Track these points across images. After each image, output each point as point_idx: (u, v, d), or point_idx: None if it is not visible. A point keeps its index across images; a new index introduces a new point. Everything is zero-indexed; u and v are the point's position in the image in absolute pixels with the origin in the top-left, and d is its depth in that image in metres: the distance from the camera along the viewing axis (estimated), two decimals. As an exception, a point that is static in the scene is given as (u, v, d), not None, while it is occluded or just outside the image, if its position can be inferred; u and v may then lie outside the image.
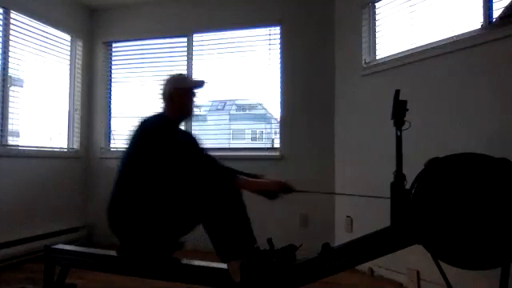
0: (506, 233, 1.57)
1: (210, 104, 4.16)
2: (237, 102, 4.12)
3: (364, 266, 2.95)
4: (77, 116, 4.04)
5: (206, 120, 4.12)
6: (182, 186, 1.93)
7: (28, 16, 3.47)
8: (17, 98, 3.40)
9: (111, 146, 4.20)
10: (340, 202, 3.38)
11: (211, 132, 4.02)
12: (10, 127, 3.33)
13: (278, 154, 3.64)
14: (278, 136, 3.71)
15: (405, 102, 1.77)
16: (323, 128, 3.52)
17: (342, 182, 3.39)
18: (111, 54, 4.26)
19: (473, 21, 2.41)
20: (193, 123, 3.93)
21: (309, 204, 3.42)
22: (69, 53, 3.99)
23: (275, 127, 3.80)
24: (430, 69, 2.60)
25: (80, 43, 4.08)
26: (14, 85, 3.39)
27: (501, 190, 1.59)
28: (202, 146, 2.12)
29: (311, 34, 3.60)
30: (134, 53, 4.22)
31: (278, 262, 1.82)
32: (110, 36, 4.20)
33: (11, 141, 3.37)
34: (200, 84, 2.26)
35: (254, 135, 4.17)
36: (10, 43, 3.31)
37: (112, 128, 4.22)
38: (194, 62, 3.94)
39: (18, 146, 3.45)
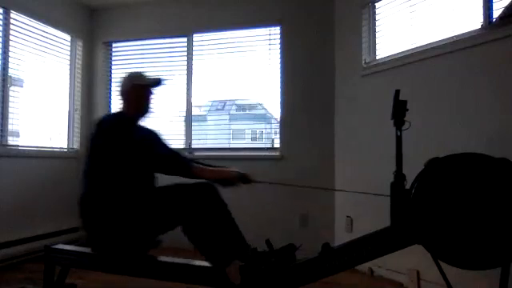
0: (505, 233, 1.57)
1: (210, 104, 4.17)
2: (237, 102, 4.12)
3: (364, 266, 2.95)
4: (77, 116, 4.05)
5: (206, 120, 4.12)
6: (145, 186, 1.99)
7: (28, 16, 3.47)
8: (17, 98, 3.40)
9: (111, 146, 4.20)
10: (340, 202, 3.38)
11: (211, 132, 4.02)
12: (10, 127, 3.33)
13: (277, 154, 3.64)
14: (278, 136, 3.71)
15: (405, 102, 1.77)
16: (323, 128, 3.52)
17: (342, 181, 3.39)
18: (111, 54, 4.26)
19: (473, 21, 2.41)
20: (193, 123, 3.94)
21: (309, 204, 3.42)
22: (69, 53, 3.99)
23: (275, 127, 3.80)
24: (430, 69, 2.60)
25: (80, 43, 4.08)
26: (14, 85, 3.39)
27: (501, 190, 1.59)
28: (158, 140, 2.17)
29: (311, 34, 3.60)
30: (134, 53, 4.22)
31: (277, 262, 1.82)
32: (110, 36, 4.20)
33: (11, 141, 3.37)
34: (157, 82, 2.24)
35: (254, 135, 4.17)
36: (10, 43, 3.31)
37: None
38: (194, 62, 3.95)
39: (18, 146, 3.45)
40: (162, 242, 2.12)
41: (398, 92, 1.79)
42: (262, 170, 3.58)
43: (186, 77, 3.95)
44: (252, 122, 4.15)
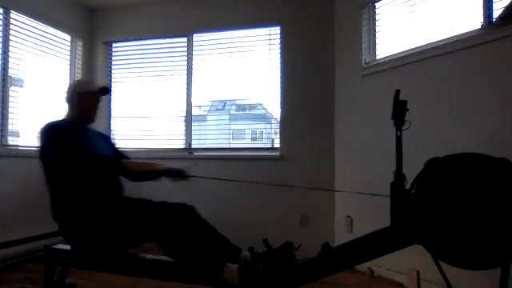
0: (505, 233, 1.57)
1: (210, 104, 4.17)
2: (237, 102, 4.12)
3: (364, 266, 2.95)
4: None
5: (206, 120, 4.12)
6: (107, 193, 2.05)
7: (28, 16, 3.47)
8: (17, 98, 3.40)
9: (111, 145, 4.20)
10: (340, 202, 3.38)
11: (211, 132, 4.02)
12: (10, 127, 3.33)
13: (277, 154, 3.64)
14: (278, 136, 3.71)
15: (405, 102, 1.77)
16: (323, 128, 3.52)
17: (342, 181, 3.39)
18: (111, 54, 4.26)
19: (473, 21, 2.41)
20: (193, 123, 3.94)
21: (309, 204, 3.42)
22: (69, 53, 3.99)
23: (275, 127, 3.80)
24: (430, 69, 2.60)
25: (80, 43, 4.08)
26: (14, 85, 3.39)
27: (501, 190, 1.59)
28: (96, 144, 2.18)
29: (311, 34, 3.60)
30: (134, 53, 4.22)
31: (273, 261, 1.82)
32: (110, 36, 4.20)
33: (11, 141, 3.37)
34: (103, 90, 2.27)
35: (254, 135, 4.18)
36: (10, 43, 3.31)
37: (112, 128, 4.23)
38: (194, 61, 3.95)
39: (18, 146, 3.45)
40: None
41: (398, 92, 1.79)
42: (262, 170, 3.61)
43: (185, 77, 3.95)
44: (252, 122, 4.15)
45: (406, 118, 1.78)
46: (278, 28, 3.68)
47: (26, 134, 3.54)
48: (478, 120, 2.29)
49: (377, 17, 3.16)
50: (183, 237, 1.88)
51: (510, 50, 2.15)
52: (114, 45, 4.26)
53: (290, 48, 3.63)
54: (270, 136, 3.90)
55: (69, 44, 3.99)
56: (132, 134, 4.13)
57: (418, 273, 2.55)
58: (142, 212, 1.96)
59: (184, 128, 3.96)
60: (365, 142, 3.10)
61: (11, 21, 3.32)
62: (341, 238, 3.18)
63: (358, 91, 3.22)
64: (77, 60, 4.06)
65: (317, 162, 3.51)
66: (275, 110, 3.76)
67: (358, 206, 3.09)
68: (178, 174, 2.16)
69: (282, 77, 3.65)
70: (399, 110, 1.77)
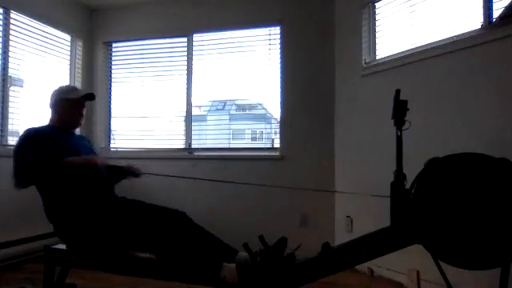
0: (505, 233, 1.57)
1: (210, 104, 4.17)
2: (237, 102, 4.11)
3: (364, 266, 2.95)
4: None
5: (205, 120, 4.12)
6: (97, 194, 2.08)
7: (28, 16, 3.47)
8: (17, 98, 3.40)
9: (111, 146, 4.21)
10: (340, 202, 3.38)
11: (211, 132, 4.02)
12: (10, 127, 3.33)
13: (277, 154, 3.64)
14: (278, 136, 3.71)
15: (405, 102, 1.77)
16: (323, 128, 3.52)
17: (342, 181, 3.39)
18: (111, 54, 4.26)
19: (473, 21, 2.41)
20: (193, 123, 3.94)
21: (309, 204, 3.42)
22: (69, 53, 3.99)
23: (275, 127, 3.80)
24: (430, 69, 2.60)
25: (80, 43, 4.08)
26: (14, 85, 3.39)
27: (501, 190, 1.59)
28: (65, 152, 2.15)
29: (311, 34, 3.60)
30: (134, 53, 4.22)
31: (269, 255, 1.82)
32: (110, 36, 4.20)
33: (11, 141, 3.36)
34: (88, 96, 2.29)
35: (254, 135, 4.17)
36: (10, 43, 3.31)
37: (112, 128, 4.23)
38: (194, 61, 3.94)
39: (18, 145, 3.44)
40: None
41: (398, 92, 1.79)
42: (262, 170, 3.61)
43: (185, 77, 3.94)
44: (252, 122, 4.15)
45: (406, 118, 1.78)
46: (278, 28, 3.68)
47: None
48: (477, 120, 2.29)
49: (377, 17, 3.16)
50: (177, 243, 1.89)
51: (510, 49, 2.15)
52: (114, 45, 4.26)
53: (289, 48, 3.63)
54: (270, 136, 3.90)
55: (69, 44, 3.99)
56: (132, 134, 4.13)
57: (418, 273, 2.54)
58: (135, 220, 1.97)
59: (184, 128, 3.96)
60: (365, 141, 3.10)
61: (11, 21, 3.32)
62: (341, 237, 3.18)
63: (358, 91, 3.22)
64: (77, 60, 4.05)
65: (317, 162, 3.51)
66: (275, 109, 3.76)
67: (358, 206, 3.09)
68: (123, 172, 2.20)
69: (281, 77, 3.65)
70: (399, 110, 1.77)
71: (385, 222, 1.77)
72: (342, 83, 3.43)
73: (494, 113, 2.22)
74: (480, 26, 2.35)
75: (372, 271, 2.94)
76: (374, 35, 3.17)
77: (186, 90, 3.94)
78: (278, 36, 3.68)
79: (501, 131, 2.17)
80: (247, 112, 4.14)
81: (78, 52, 4.06)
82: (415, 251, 1.78)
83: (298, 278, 1.81)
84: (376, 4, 3.14)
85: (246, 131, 4.22)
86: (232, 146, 3.91)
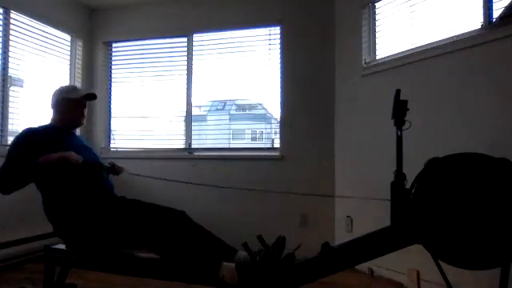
0: (505, 233, 1.57)
1: (210, 104, 4.17)
2: (237, 102, 4.11)
3: (364, 266, 2.95)
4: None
5: (205, 120, 4.12)
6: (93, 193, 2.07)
7: (28, 16, 3.47)
8: (17, 98, 3.40)
9: (111, 146, 4.21)
10: (340, 202, 3.38)
11: (211, 132, 4.02)
12: (10, 127, 3.33)
13: (277, 154, 3.64)
14: (278, 136, 3.71)
15: (405, 102, 1.77)
16: (323, 128, 3.52)
17: (342, 181, 3.39)
18: (111, 54, 4.26)
19: (473, 21, 2.41)
20: (193, 123, 3.94)
21: (309, 204, 3.42)
22: (69, 53, 3.99)
23: (275, 127, 3.80)
24: (430, 69, 2.60)
25: (80, 43, 4.08)
26: (14, 85, 3.39)
27: (501, 190, 1.59)
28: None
29: (311, 34, 3.60)
30: (134, 53, 4.22)
31: (268, 254, 1.82)
32: (109, 36, 4.20)
33: (11, 141, 3.36)
34: (88, 96, 2.29)
35: (254, 135, 4.17)
36: (10, 43, 3.31)
37: (112, 128, 4.23)
38: (194, 61, 3.94)
39: (18, 145, 3.44)
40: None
41: (398, 92, 1.79)
42: (262, 170, 3.61)
43: (185, 77, 3.94)
44: (252, 122, 4.15)
45: (406, 118, 1.78)
46: (278, 28, 3.68)
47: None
48: (477, 120, 2.29)
49: (377, 17, 3.16)
50: (177, 242, 1.89)
51: (510, 49, 2.15)
52: (114, 45, 4.26)
53: (289, 48, 3.63)
54: (270, 136, 3.90)
55: (69, 44, 3.99)
56: (132, 134, 4.13)
57: (418, 273, 2.55)
58: (135, 219, 1.96)
59: (184, 128, 3.96)
60: (365, 141, 3.10)
61: (11, 21, 3.32)
62: (341, 237, 3.18)
63: (358, 91, 3.22)
64: (77, 60, 4.05)
65: (317, 162, 3.51)
66: (275, 109, 3.76)
67: (358, 206, 3.09)
68: (98, 168, 2.19)
69: (281, 77, 3.65)
70: (400, 110, 1.77)
71: (385, 221, 1.77)
72: (342, 83, 3.43)
73: (494, 113, 2.22)
74: (480, 26, 2.35)
75: (372, 271, 2.94)
76: (374, 35, 3.17)
77: (186, 90, 3.94)
78: (278, 36, 3.68)
79: (501, 131, 2.17)
80: (247, 112, 4.14)
81: (77, 52, 4.06)
82: (415, 251, 1.78)
83: (298, 278, 1.81)
84: (376, 4, 3.14)
85: (246, 131, 4.22)
86: (232, 146, 3.91)
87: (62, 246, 2.17)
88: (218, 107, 4.19)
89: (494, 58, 2.23)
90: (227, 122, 4.05)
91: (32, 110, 3.57)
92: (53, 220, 2.09)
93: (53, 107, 2.25)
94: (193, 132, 3.94)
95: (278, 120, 3.70)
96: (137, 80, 4.17)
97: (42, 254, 2.20)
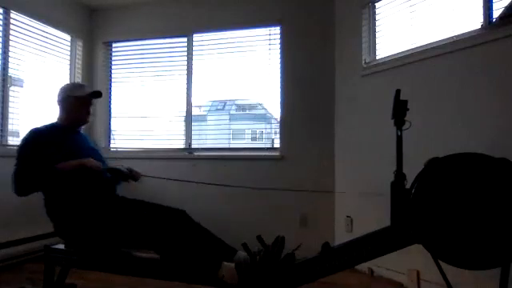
0: (505, 233, 1.57)
1: (210, 104, 4.17)
2: (237, 102, 4.12)
3: (364, 266, 2.95)
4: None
5: (205, 120, 4.12)
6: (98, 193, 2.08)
7: (28, 16, 3.47)
8: (17, 98, 3.40)
9: (111, 146, 4.21)
10: (340, 202, 3.38)
11: (211, 132, 4.02)
12: (10, 127, 3.33)
13: (278, 154, 3.64)
14: (278, 136, 3.71)
15: (405, 102, 1.77)
16: (323, 128, 3.52)
17: (342, 181, 3.39)
18: (111, 54, 4.26)
19: (473, 21, 2.41)
20: (193, 123, 3.94)
21: (309, 204, 3.42)
22: (69, 53, 3.99)
23: (275, 127, 3.80)
24: (430, 69, 2.60)
25: (80, 43, 4.08)
26: (14, 85, 3.39)
27: (501, 190, 1.59)
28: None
29: (311, 34, 3.60)
30: (134, 53, 4.22)
31: (267, 254, 1.82)
32: (109, 36, 4.20)
33: (11, 141, 3.37)
34: (94, 94, 2.29)
35: (254, 135, 4.17)
36: (10, 43, 3.31)
37: (112, 128, 4.23)
38: (194, 61, 3.94)
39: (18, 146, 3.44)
40: None
41: (398, 92, 1.79)
42: (262, 170, 3.61)
43: (185, 77, 3.94)
44: (252, 122, 4.15)
45: (406, 118, 1.78)
46: (278, 28, 3.68)
47: (26, 134, 3.54)
48: (477, 120, 2.29)
49: (377, 17, 3.16)
50: (177, 241, 1.89)
51: (510, 49, 2.15)
52: (114, 45, 4.26)
53: (289, 48, 3.63)
54: (270, 136, 3.90)
55: (69, 44, 3.99)
56: (132, 134, 4.13)
57: (418, 273, 2.55)
58: (135, 218, 1.97)
59: (184, 128, 3.96)
60: (365, 141, 3.10)
61: (11, 21, 3.32)
62: (341, 237, 3.18)
63: (358, 91, 3.22)
64: (77, 60, 4.05)
65: (317, 162, 3.51)
66: (275, 109, 3.76)
67: (358, 206, 3.09)
68: (122, 175, 2.18)
69: (281, 77, 3.65)
70: (400, 110, 1.77)
71: (385, 221, 1.77)
72: (342, 83, 3.43)
73: (494, 113, 2.22)
74: (480, 26, 2.35)
75: (372, 271, 2.94)
76: (374, 35, 3.17)
77: (186, 90, 3.94)
78: (278, 36, 3.68)
79: (501, 131, 2.17)
80: (247, 112, 4.14)
81: (77, 52, 4.06)
82: (415, 251, 1.78)
83: (298, 278, 1.81)
84: (376, 4, 3.14)
85: (246, 131, 4.22)
86: (232, 146, 3.91)
87: (62, 246, 2.17)
88: (218, 107, 4.19)
89: (494, 58, 2.23)
90: (227, 122, 4.05)
91: (32, 109, 3.57)
92: (54, 219, 2.09)
93: (58, 105, 2.25)
94: (193, 132, 3.94)
95: (278, 120, 3.70)
96: (137, 80, 4.17)
97: (42, 254, 2.20)
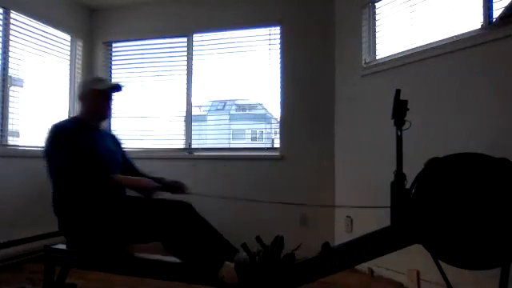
0: (505, 233, 1.57)
1: (210, 104, 4.17)
2: (237, 102, 4.12)
3: (364, 266, 2.95)
4: (77, 116, 4.04)
5: (205, 120, 4.12)
6: (110, 191, 2.03)
7: (28, 16, 3.47)
8: (17, 98, 3.40)
9: (111, 146, 4.20)
10: (340, 202, 3.38)
11: (211, 132, 4.02)
12: (10, 127, 3.33)
13: (278, 154, 3.64)
14: (278, 136, 3.71)
15: (405, 102, 1.77)
16: (323, 128, 3.52)
17: (342, 181, 3.39)
18: (111, 54, 4.26)
19: (473, 21, 2.41)
20: (193, 123, 3.94)
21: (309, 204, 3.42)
22: (69, 53, 3.99)
23: (275, 127, 3.80)
24: (430, 69, 2.60)
25: (80, 43, 4.08)
26: (14, 85, 3.39)
27: (501, 190, 1.59)
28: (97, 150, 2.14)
29: (311, 34, 3.60)
30: (134, 53, 4.22)
31: (266, 254, 1.82)
32: (109, 36, 4.20)
33: (11, 141, 3.37)
34: (115, 87, 2.26)
35: (254, 135, 4.18)
36: (10, 43, 3.31)
37: (112, 128, 4.22)
38: (194, 61, 3.94)
39: (18, 146, 3.45)
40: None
41: (398, 92, 1.79)
42: (262, 170, 3.61)
43: (185, 77, 3.95)
44: (252, 122, 4.15)
45: (406, 118, 1.78)
46: (278, 28, 3.68)
47: (26, 134, 3.54)
48: (478, 120, 2.29)
49: (377, 17, 3.16)
50: (183, 233, 1.88)
51: (510, 49, 2.15)
52: (114, 45, 4.26)
53: (289, 48, 3.63)
54: (270, 136, 3.90)
55: (69, 44, 3.99)
56: (132, 134, 4.12)
57: (418, 273, 2.55)
58: (142, 209, 1.96)
59: (184, 128, 3.96)
60: (365, 141, 3.10)
61: (11, 21, 3.32)
62: (341, 238, 3.18)
63: (357, 91, 3.22)
64: (77, 60, 4.05)
65: (317, 162, 3.51)
66: (275, 109, 3.76)
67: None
68: (174, 189, 2.18)
69: (281, 77, 3.65)
70: (400, 110, 1.77)
71: (385, 221, 1.77)
72: (342, 83, 3.43)
73: (494, 113, 2.22)
74: (480, 26, 2.35)
75: (372, 271, 2.94)
76: (374, 35, 3.17)
77: (186, 90, 3.94)
78: (278, 36, 3.68)
79: (501, 131, 2.17)
80: (247, 112, 4.14)
81: (78, 52, 4.07)
82: (415, 251, 1.78)
83: (298, 278, 1.81)
84: (376, 4, 3.14)
85: (246, 131, 4.22)
86: (232, 146, 3.91)
87: (61, 246, 2.17)
88: (218, 107, 4.19)
89: (494, 58, 2.23)
90: (227, 122, 4.05)
91: (32, 109, 3.57)
92: (60, 214, 2.06)
93: (80, 99, 2.23)
94: (193, 132, 3.94)
95: (278, 120, 3.70)
96: (137, 80, 4.17)
97: (42, 254, 2.20)
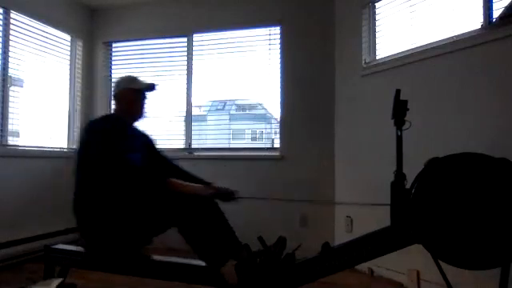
0: (505, 233, 1.57)
1: (210, 104, 4.17)
2: (237, 102, 4.12)
3: (364, 266, 2.95)
4: (77, 116, 4.04)
5: (205, 120, 4.12)
6: (135, 190, 2.00)
7: (28, 16, 3.47)
8: (17, 98, 3.40)
9: (111, 145, 4.20)
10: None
11: (211, 132, 4.02)
12: (10, 127, 3.33)
13: (278, 154, 3.64)
14: (278, 136, 3.71)
15: (405, 102, 1.77)
16: (323, 128, 3.52)
17: (342, 182, 3.39)
18: (111, 54, 4.26)
19: (473, 21, 2.41)
20: (193, 123, 3.94)
21: (309, 204, 3.42)
22: (69, 53, 3.99)
23: (275, 127, 3.80)
24: (430, 69, 2.60)
25: (80, 43, 4.08)
26: (14, 85, 3.39)
27: (501, 190, 1.59)
28: (143, 148, 2.16)
29: (311, 34, 3.60)
30: (134, 53, 4.22)
31: (268, 255, 1.82)
32: (109, 36, 4.20)
33: (11, 141, 3.37)
34: (150, 87, 2.28)
35: (254, 135, 4.17)
36: (10, 43, 3.30)
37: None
38: (194, 61, 3.95)
39: (18, 146, 3.45)
40: (153, 240, 2.13)
41: (398, 92, 1.79)
42: (262, 170, 3.61)
43: (185, 77, 3.95)
44: (252, 122, 4.15)
45: (406, 118, 1.78)
46: (278, 28, 3.68)
47: (26, 134, 3.54)
48: (478, 120, 2.29)
49: (377, 17, 3.16)
50: (200, 220, 1.89)
51: (510, 49, 2.15)
52: (114, 45, 4.26)
53: (289, 48, 3.63)
54: (270, 136, 3.90)
55: (69, 44, 3.99)
56: (132, 134, 4.12)
57: (418, 273, 2.55)
58: (164, 198, 1.95)
59: (184, 128, 3.96)
60: (365, 141, 3.10)
61: (11, 21, 3.32)
62: (341, 238, 3.18)
63: (357, 91, 3.22)
64: (77, 60, 4.05)
65: (317, 162, 3.51)
66: (275, 109, 3.76)
67: (358, 206, 3.08)
68: (225, 197, 2.16)
69: (281, 77, 3.65)
70: (400, 110, 1.77)
71: (385, 221, 1.77)
72: (342, 83, 3.43)
73: (494, 113, 2.22)
74: (480, 26, 2.35)
75: (372, 271, 2.94)
76: (374, 35, 3.17)
77: (186, 90, 3.94)
78: (278, 36, 3.68)
79: (501, 131, 2.17)
80: (247, 112, 4.14)
81: (78, 52, 4.06)
82: (415, 251, 1.78)
83: (298, 278, 1.81)
84: (376, 4, 3.14)
85: (246, 131, 4.22)
86: (232, 146, 3.91)
87: (62, 246, 2.17)
88: (218, 107, 4.19)
89: (494, 58, 2.23)
90: (227, 122, 4.05)
91: (32, 109, 3.57)
92: (81, 213, 2.04)
93: (115, 98, 2.24)
94: (193, 132, 3.94)
95: (278, 120, 3.70)
96: (137, 80, 4.16)
97: (42, 254, 2.20)
